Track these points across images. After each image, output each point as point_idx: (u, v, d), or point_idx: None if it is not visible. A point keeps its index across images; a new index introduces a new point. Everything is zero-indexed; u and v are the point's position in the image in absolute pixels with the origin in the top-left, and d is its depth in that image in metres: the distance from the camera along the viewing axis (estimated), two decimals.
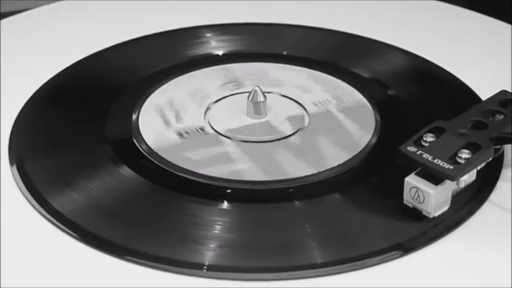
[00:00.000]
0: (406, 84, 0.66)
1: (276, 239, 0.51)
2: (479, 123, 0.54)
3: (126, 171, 0.56)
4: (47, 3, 0.77)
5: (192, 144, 0.58)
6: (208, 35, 0.71)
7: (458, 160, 0.51)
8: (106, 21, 0.74)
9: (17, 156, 0.57)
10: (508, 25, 0.73)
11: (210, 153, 0.57)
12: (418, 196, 0.51)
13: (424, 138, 0.52)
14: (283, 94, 0.64)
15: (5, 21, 0.74)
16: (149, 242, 0.50)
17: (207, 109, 0.62)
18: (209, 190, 0.54)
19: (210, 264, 0.49)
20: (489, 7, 0.78)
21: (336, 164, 0.56)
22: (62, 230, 0.51)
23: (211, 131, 0.60)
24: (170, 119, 0.61)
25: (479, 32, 0.74)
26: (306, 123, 0.61)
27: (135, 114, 0.61)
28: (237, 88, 0.64)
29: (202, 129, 0.60)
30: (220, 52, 0.70)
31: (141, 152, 0.58)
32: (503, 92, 0.57)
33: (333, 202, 0.54)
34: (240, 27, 0.72)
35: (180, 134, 0.59)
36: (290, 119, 0.61)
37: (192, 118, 0.61)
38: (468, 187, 0.53)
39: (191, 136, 0.59)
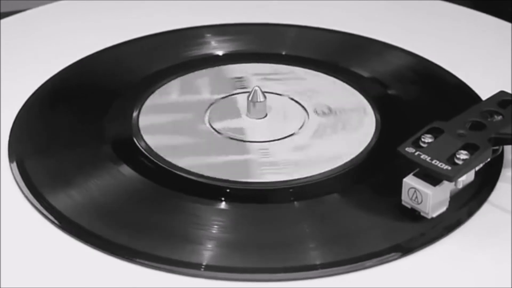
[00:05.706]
0: (406, 84, 0.66)
1: (275, 239, 0.51)
2: (478, 123, 0.54)
3: (126, 170, 0.56)
4: (47, 3, 0.77)
5: (192, 144, 0.58)
6: (208, 35, 0.71)
7: (456, 161, 0.51)
8: (106, 21, 0.74)
9: (17, 155, 0.57)
10: (509, 24, 0.73)
11: (209, 153, 0.57)
12: (416, 196, 0.51)
13: (422, 139, 0.52)
14: (283, 94, 0.64)
15: (5, 21, 0.74)
16: (148, 242, 0.50)
17: (207, 109, 0.62)
18: (208, 190, 0.54)
19: (208, 264, 0.49)
20: (489, 6, 0.78)
21: (335, 164, 0.56)
22: (62, 229, 0.51)
23: (211, 131, 0.60)
24: (170, 119, 0.61)
25: (479, 32, 0.73)
26: (306, 123, 0.61)
27: (135, 113, 0.61)
28: (237, 88, 0.64)
29: (202, 129, 0.60)
30: (220, 52, 0.70)
31: (141, 151, 0.58)
32: (502, 92, 0.57)
33: (332, 202, 0.54)
34: (240, 27, 0.72)
35: (180, 134, 0.59)
36: (290, 119, 0.61)
37: (192, 118, 0.61)
38: (468, 187, 0.53)
39: (191, 136, 0.59)
